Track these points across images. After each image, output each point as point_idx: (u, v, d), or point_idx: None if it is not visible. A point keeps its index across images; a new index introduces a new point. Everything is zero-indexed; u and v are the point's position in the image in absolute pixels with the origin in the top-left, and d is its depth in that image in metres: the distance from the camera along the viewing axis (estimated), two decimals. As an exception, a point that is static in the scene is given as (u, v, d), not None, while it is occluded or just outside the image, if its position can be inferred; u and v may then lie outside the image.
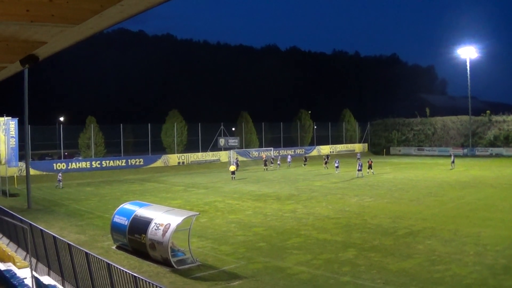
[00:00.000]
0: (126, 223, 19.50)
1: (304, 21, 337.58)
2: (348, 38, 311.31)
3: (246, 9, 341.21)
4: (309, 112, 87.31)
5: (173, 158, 65.45)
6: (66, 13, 6.29)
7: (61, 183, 45.32)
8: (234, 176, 48.42)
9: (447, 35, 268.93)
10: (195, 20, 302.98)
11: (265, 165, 60.56)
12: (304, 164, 63.49)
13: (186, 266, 17.49)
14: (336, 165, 52.46)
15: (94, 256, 12.67)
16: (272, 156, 67.45)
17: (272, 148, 71.76)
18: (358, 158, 63.06)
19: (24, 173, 40.64)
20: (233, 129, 77.46)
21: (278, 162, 63.35)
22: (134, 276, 10.46)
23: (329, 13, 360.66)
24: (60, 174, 46.39)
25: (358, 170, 47.41)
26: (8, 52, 8.96)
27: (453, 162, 55.14)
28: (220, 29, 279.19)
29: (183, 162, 65.90)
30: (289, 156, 67.37)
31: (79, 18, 6.55)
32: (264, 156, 66.96)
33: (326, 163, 58.49)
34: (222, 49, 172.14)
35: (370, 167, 49.31)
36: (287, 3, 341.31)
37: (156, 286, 9.93)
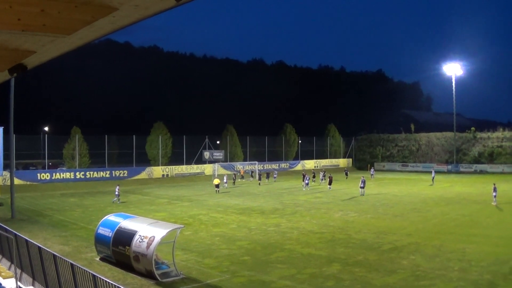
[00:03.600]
0: (110, 235, 19.37)
1: (290, 36, 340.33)
2: (334, 53, 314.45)
3: (233, 23, 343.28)
4: (294, 127, 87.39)
5: (158, 170, 65.23)
6: (57, 23, 6.26)
7: (119, 197, 41.24)
8: (218, 189, 48.33)
9: (433, 52, 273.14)
10: (182, 33, 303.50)
11: (259, 179, 60.28)
12: (233, 182, 59.56)
13: (170, 279, 17.39)
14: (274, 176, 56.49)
15: (79, 267, 12.55)
16: (260, 171, 67.53)
17: (256, 162, 71.66)
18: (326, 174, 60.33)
19: (8, 182, 40.22)
20: (218, 142, 77.38)
21: (275, 176, 63.74)
22: (120, 288, 10.37)
23: (316, 28, 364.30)
24: (117, 188, 41.88)
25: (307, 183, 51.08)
26: (-3, 60, 8.91)
27: (433, 178, 56.21)
28: (207, 42, 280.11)
29: (167, 175, 65.69)
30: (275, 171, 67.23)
31: (70, 28, 6.53)
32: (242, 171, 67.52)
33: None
34: (209, 62, 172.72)
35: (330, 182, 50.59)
36: (274, 18, 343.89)
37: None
